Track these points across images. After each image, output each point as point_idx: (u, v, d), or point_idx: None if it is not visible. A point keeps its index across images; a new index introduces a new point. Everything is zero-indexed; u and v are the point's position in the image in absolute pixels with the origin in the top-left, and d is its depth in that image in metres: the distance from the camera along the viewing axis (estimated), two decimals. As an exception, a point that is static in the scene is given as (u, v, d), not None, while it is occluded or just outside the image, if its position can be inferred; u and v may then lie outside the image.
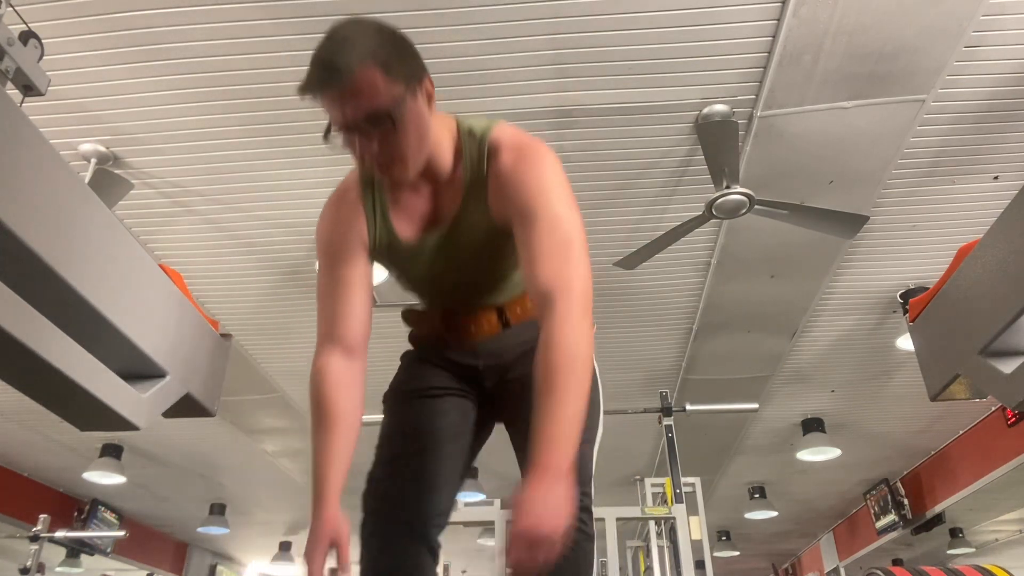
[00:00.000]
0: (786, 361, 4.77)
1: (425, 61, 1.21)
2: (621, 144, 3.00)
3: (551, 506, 0.98)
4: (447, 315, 1.41)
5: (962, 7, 2.36)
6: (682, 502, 3.24)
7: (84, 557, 6.95)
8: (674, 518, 3.18)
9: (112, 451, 5.90)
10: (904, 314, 3.86)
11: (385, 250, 1.33)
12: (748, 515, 7.40)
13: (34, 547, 4.01)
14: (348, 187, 1.35)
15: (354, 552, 1.18)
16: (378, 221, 1.32)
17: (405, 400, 1.42)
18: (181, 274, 2.33)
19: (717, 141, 2.74)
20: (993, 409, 5.43)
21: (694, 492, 3.53)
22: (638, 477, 4.39)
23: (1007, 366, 1.89)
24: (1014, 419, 5.18)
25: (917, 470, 6.67)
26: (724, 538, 8.83)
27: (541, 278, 1.16)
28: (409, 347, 1.53)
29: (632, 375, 4.85)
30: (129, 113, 2.82)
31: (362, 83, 1.09)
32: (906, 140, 2.95)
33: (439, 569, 1.41)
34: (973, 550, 7.09)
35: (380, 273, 3.71)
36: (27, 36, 1.71)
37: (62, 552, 6.83)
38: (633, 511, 3.41)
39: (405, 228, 1.32)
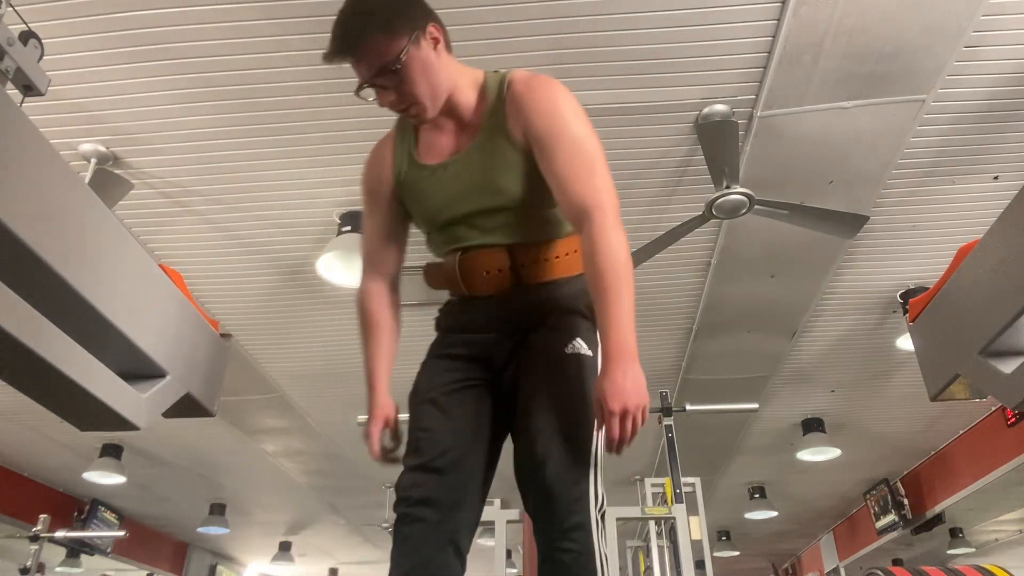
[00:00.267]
0: (786, 361, 4.78)
1: None
2: (621, 144, 3.00)
3: (630, 386, 1.18)
4: (463, 260, 1.42)
5: (962, 7, 2.36)
6: (682, 502, 3.24)
7: (84, 557, 6.95)
8: (674, 518, 3.18)
9: (112, 451, 5.90)
10: (904, 314, 3.86)
11: (406, 181, 1.46)
12: (748, 515, 7.40)
13: (34, 547, 4.01)
14: (387, 136, 1.53)
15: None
16: (404, 157, 1.47)
17: (426, 404, 1.42)
18: (181, 274, 2.32)
19: (717, 141, 2.74)
20: (993, 409, 5.43)
21: (694, 492, 3.53)
22: (638, 477, 4.39)
23: (1007, 366, 1.88)
24: (1014, 419, 5.18)
25: (917, 470, 6.67)
26: (724, 538, 8.83)
27: (575, 198, 1.30)
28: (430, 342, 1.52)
29: (632, 375, 4.85)
30: (129, 113, 2.82)
31: (368, 47, 1.28)
32: (906, 140, 2.95)
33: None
34: (973, 550, 7.09)
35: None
36: (27, 36, 1.71)
37: (62, 552, 6.83)
38: (633, 511, 3.41)
39: (428, 158, 1.44)
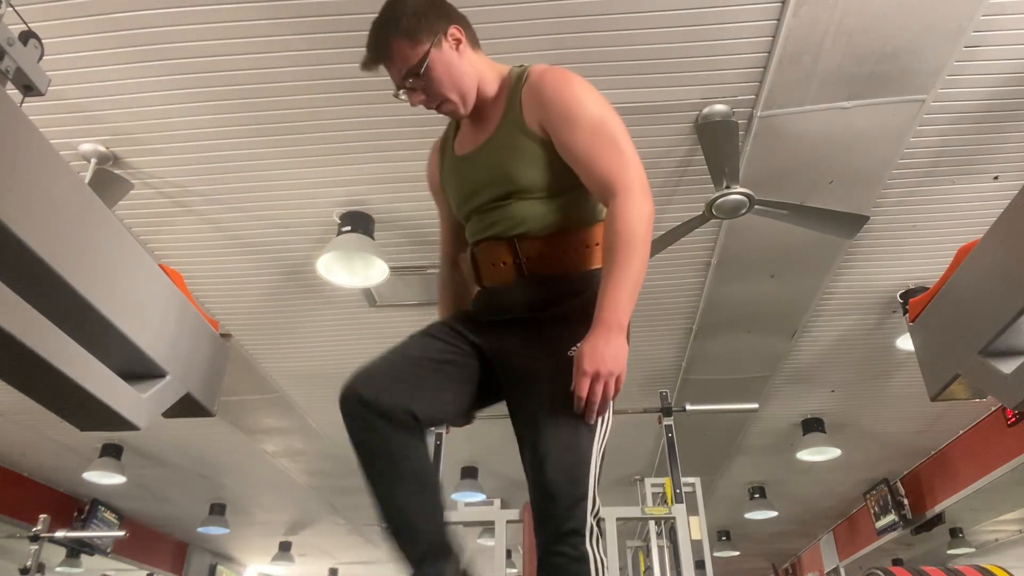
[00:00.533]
0: (786, 361, 4.77)
1: None
2: (621, 144, 3.00)
3: (609, 352, 1.23)
4: (475, 252, 1.48)
5: (962, 7, 2.36)
6: (682, 502, 3.24)
7: (84, 557, 6.95)
8: (674, 518, 3.18)
9: (112, 451, 5.90)
10: (904, 314, 3.86)
11: (445, 173, 1.57)
12: (748, 515, 7.40)
13: (34, 547, 4.01)
14: (445, 131, 1.63)
15: None
16: (448, 150, 1.57)
17: (423, 337, 1.49)
18: (181, 274, 2.32)
19: (717, 141, 2.74)
20: (993, 409, 5.43)
21: (694, 492, 3.53)
22: (638, 477, 4.38)
23: (1007, 366, 1.88)
24: (1014, 419, 5.18)
25: (917, 470, 6.67)
26: (724, 538, 8.83)
27: (600, 177, 1.34)
28: None
29: (632, 375, 4.78)
30: (129, 113, 2.82)
31: (395, 55, 1.39)
32: (906, 140, 2.95)
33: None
34: (973, 550, 7.10)
35: (380, 274, 3.70)
36: (27, 36, 1.71)
37: (62, 552, 6.83)
38: (633, 511, 3.41)
39: (460, 151, 1.53)
